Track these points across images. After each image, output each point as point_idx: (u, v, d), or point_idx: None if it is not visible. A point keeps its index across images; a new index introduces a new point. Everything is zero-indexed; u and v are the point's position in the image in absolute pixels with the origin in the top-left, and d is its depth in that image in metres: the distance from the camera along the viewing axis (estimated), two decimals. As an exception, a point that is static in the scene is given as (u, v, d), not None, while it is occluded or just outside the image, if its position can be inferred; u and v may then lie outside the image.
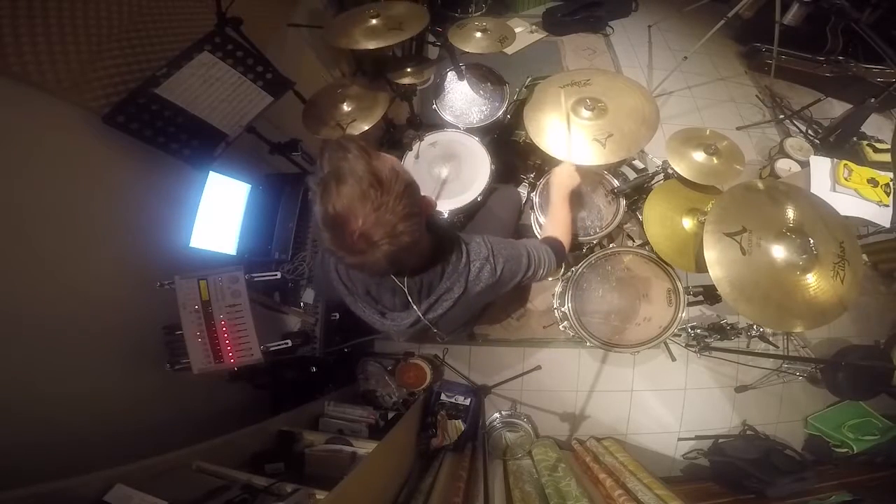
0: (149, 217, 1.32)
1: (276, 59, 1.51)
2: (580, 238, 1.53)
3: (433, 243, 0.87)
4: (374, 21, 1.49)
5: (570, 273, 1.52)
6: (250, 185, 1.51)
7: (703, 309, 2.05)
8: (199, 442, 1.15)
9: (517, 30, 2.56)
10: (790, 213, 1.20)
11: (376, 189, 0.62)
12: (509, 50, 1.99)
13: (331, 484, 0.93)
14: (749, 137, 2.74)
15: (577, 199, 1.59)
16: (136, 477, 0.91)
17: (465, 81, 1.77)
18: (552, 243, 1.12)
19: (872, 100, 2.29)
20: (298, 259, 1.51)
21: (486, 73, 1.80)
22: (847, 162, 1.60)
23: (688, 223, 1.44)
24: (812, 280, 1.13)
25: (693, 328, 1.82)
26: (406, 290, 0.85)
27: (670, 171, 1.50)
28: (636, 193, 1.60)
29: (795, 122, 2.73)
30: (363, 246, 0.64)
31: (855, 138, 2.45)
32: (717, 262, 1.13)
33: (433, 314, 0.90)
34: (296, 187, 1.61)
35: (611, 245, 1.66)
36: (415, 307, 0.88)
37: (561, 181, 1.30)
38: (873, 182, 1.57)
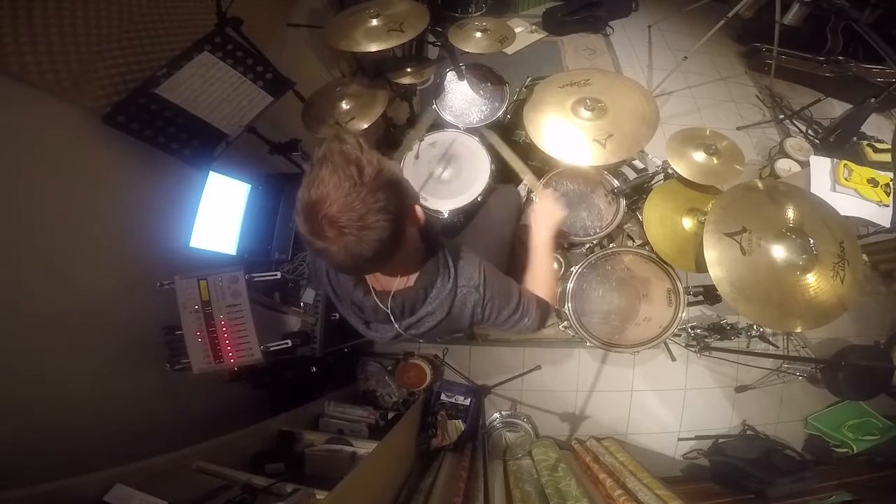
0: (149, 217, 1.32)
1: (276, 59, 1.51)
2: (580, 238, 1.53)
3: (422, 259, 0.85)
4: (374, 22, 1.49)
5: (570, 273, 1.52)
6: (250, 185, 1.51)
7: (703, 309, 2.05)
8: (199, 442, 1.15)
9: (517, 30, 2.55)
10: (790, 213, 1.20)
11: (353, 178, 0.62)
12: (509, 50, 1.99)
13: (331, 484, 0.93)
14: (749, 137, 2.74)
15: (577, 200, 1.59)
16: (136, 477, 0.91)
17: (465, 81, 1.77)
18: (541, 304, 1.01)
19: (872, 100, 2.29)
20: (298, 259, 1.51)
21: (486, 73, 1.80)
22: (847, 162, 1.60)
23: (688, 223, 1.44)
24: (812, 280, 1.13)
25: (693, 328, 1.82)
26: (389, 311, 0.83)
27: (670, 171, 1.50)
28: (636, 193, 1.60)
29: (795, 122, 2.73)
30: (329, 231, 0.62)
31: (855, 138, 2.45)
32: (718, 262, 1.13)
33: (415, 331, 0.88)
34: (296, 187, 1.59)
35: (611, 245, 1.66)
36: (395, 325, 0.86)
37: (543, 225, 1.14)
38: (873, 182, 1.57)
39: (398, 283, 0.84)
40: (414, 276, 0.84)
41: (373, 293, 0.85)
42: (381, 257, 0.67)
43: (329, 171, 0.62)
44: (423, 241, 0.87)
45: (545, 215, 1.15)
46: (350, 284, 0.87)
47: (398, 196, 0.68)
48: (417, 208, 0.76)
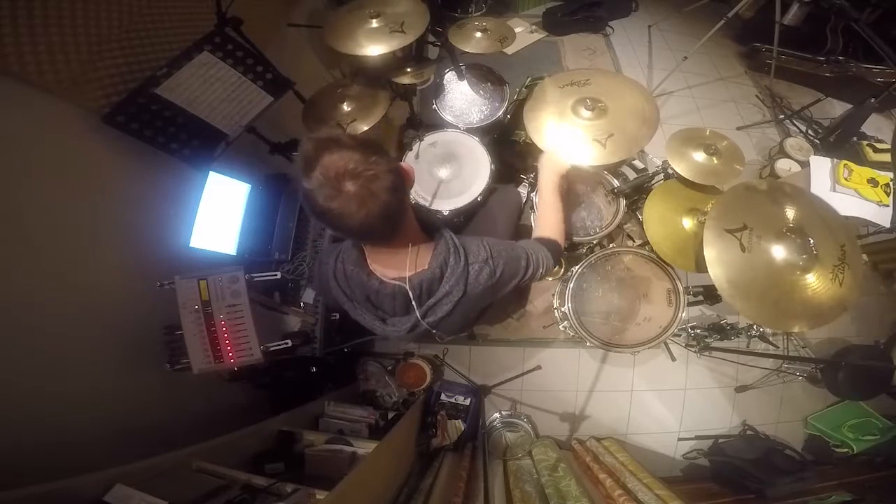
0: (149, 217, 1.32)
1: (276, 59, 1.51)
2: (580, 238, 1.53)
3: (427, 241, 0.88)
4: (374, 22, 1.48)
5: (570, 273, 1.52)
6: (250, 185, 1.51)
7: (703, 309, 2.05)
8: (199, 442, 1.15)
9: (517, 30, 2.56)
10: (790, 214, 1.20)
11: (346, 145, 0.70)
12: (509, 50, 1.99)
13: (331, 484, 0.93)
14: (749, 137, 2.74)
15: (576, 199, 1.59)
16: (136, 477, 0.91)
17: (465, 81, 1.77)
18: (547, 243, 1.10)
19: (872, 100, 2.29)
20: (298, 259, 1.51)
21: (486, 73, 1.80)
22: (847, 162, 1.60)
23: (688, 223, 1.44)
24: (811, 280, 1.13)
25: (693, 328, 1.82)
26: (409, 289, 0.85)
27: (670, 171, 1.50)
28: (636, 193, 1.60)
29: (795, 122, 2.73)
30: (346, 183, 0.68)
31: (855, 138, 2.45)
32: (717, 259, 1.13)
33: (433, 317, 0.90)
34: (296, 187, 1.61)
35: (611, 245, 1.66)
36: (415, 310, 0.88)
37: (549, 170, 1.25)
38: (873, 182, 1.57)
39: (410, 268, 0.86)
40: (426, 260, 0.87)
41: (388, 281, 0.86)
42: (390, 212, 0.73)
43: (322, 149, 0.69)
44: (422, 228, 0.89)
45: (552, 162, 1.26)
46: (363, 277, 0.88)
47: (383, 149, 0.75)
48: (406, 165, 0.82)
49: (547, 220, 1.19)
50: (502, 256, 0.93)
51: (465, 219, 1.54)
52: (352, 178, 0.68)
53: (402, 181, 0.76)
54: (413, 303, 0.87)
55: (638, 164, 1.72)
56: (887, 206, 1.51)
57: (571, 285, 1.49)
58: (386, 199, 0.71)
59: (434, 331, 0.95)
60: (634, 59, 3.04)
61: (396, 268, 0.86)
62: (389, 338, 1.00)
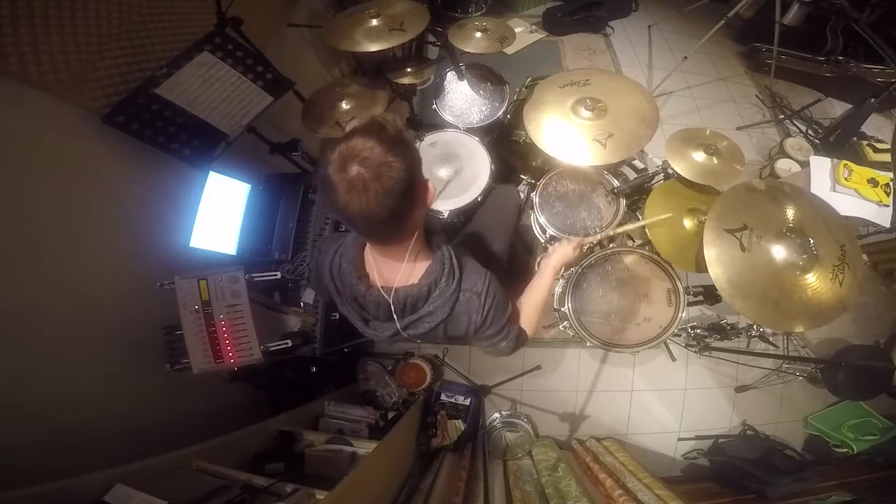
0: (149, 217, 1.32)
1: (276, 59, 1.51)
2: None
3: (425, 255, 0.87)
4: (374, 22, 1.49)
5: (570, 273, 1.52)
6: (250, 185, 1.51)
7: (703, 309, 2.05)
8: (199, 442, 1.15)
9: (517, 30, 2.56)
10: (790, 214, 1.20)
11: (379, 133, 0.70)
12: (509, 50, 1.99)
13: (331, 484, 0.93)
14: (749, 137, 2.74)
15: (577, 200, 1.59)
16: (136, 477, 0.91)
17: (465, 81, 1.77)
18: (522, 333, 1.05)
19: (872, 100, 2.29)
20: (298, 259, 1.51)
21: (486, 73, 1.80)
22: (847, 162, 1.60)
23: (688, 223, 1.44)
24: (811, 280, 1.13)
25: (693, 328, 1.82)
26: (391, 302, 0.84)
27: (670, 171, 1.50)
28: (636, 193, 1.60)
29: (795, 122, 2.73)
30: (352, 165, 0.68)
31: (855, 138, 2.45)
32: (717, 259, 1.13)
33: (413, 331, 0.89)
34: (296, 187, 1.61)
35: (611, 245, 1.66)
36: (396, 320, 0.87)
37: (562, 255, 1.23)
38: (873, 182, 1.57)
39: (401, 279, 0.85)
40: (418, 275, 0.85)
41: (375, 287, 0.85)
42: (393, 206, 0.71)
43: (361, 129, 0.71)
44: (425, 238, 0.88)
45: (564, 252, 1.22)
46: (353, 278, 0.87)
47: (413, 157, 0.74)
48: (430, 185, 0.81)
49: (535, 301, 1.15)
50: (496, 299, 0.90)
51: (465, 219, 1.54)
52: (359, 164, 0.68)
53: (411, 193, 0.73)
54: (394, 315, 0.86)
55: (638, 164, 1.72)
56: (887, 206, 1.51)
57: (571, 285, 1.49)
58: (373, 199, 0.68)
59: (416, 341, 0.95)
60: (634, 59, 3.04)
61: (389, 273, 0.86)
62: (371, 339, 0.99)
